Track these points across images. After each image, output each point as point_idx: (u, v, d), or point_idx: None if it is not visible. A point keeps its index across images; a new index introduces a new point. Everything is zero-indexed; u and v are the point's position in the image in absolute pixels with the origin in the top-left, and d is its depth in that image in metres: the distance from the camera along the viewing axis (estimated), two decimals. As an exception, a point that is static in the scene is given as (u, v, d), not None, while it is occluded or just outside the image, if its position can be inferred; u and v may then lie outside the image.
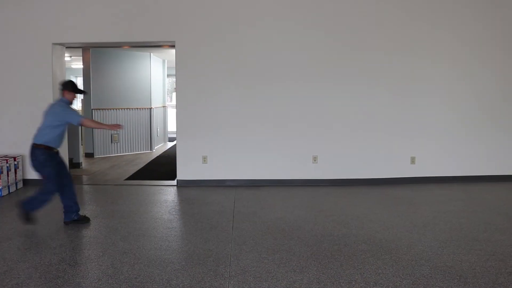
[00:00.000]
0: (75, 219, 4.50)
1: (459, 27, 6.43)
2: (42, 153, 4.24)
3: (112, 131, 9.23)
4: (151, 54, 10.06)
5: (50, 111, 4.39)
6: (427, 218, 4.73)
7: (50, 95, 6.20)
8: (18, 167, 6.09)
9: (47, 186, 4.30)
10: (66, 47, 6.78)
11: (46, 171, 4.27)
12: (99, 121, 4.38)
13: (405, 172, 6.54)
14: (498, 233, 4.23)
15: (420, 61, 6.41)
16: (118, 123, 4.72)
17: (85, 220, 4.55)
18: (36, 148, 4.26)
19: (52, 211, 4.99)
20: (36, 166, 4.29)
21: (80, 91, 4.61)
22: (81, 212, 4.60)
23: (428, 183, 6.47)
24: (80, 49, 9.24)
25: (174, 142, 8.26)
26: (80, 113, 4.12)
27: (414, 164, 6.54)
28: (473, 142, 6.61)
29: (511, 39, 6.53)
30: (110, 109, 9.28)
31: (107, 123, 4.27)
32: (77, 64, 13.60)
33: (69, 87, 4.45)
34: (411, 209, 5.15)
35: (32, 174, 6.24)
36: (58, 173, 4.36)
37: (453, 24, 6.42)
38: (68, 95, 4.43)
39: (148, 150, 10.04)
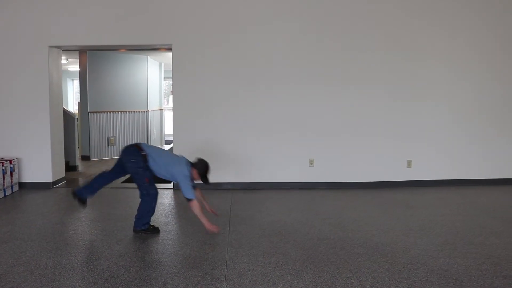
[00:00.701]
0: (81, 198, 4.47)
1: (456, 29, 6.45)
2: (144, 160, 4.22)
3: (110, 135, 9.26)
4: (148, 57, 10.07)
5: (177, 167, 4.25)
6: (423, 222, 4.74)
7: (46, 97, 6.19)
8: (14, 170, 6.07)
9: (148, 191, 4.26)
10: (63, 50, 6.77)
11: (148, 174, 4.25)
12: (202, 212, 4.24)
13: (402, 176, 6.55)
14: (494, 237, 4.25)
15: (417, 64, 6.43)
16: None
17: (81, 203, 4.50)
18: (142, 155, 4.23)
19: (47, 214, 4.98)
20: (135, 168, 4.25)
21: (205, 181, 4.33)
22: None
23: (424, 187, 6.49)
24: (77, 52, 9.25)
25: (171, 145, 8.25)
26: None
27: (411, 167, 6.56)
28: (470, 146, 6.63)
29: (510, 41, 6.57)
30: (107, 112, 9.29)
31: (207, 221, 4.16)
32: (74, 67, 13.59)
33: (201, 171, 4.27)
34: (407, 212, 5.16)
35: (28, 177, 6.27)
36: (120, 167, 4.41)
37: (451, 26, 6.43)
38: (194, 174, 4.29)
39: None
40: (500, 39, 6.54)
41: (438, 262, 3.60)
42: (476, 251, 3.86)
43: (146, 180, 4.24)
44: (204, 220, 4.13)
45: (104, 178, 4.50)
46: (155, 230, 4.36)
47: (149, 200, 4.28)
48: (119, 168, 4.44)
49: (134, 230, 4.33)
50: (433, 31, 6.40)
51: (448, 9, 6.41)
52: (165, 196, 5.92)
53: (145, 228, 4.31)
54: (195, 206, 4.12)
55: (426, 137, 6.54)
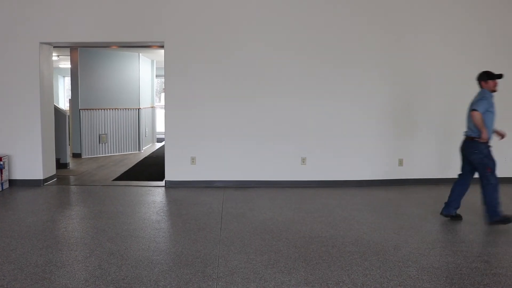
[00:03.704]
0: (453, 215, 4.71)
1: (450, 29, 6.48)
2: (486, 146, 4.46)
3: (101, 132, 9.21)
4: (140, 54, 10.02)
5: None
6: (414, 220, 4.77)
7: (37, 94, 6.15)
8: (4, 168, 6.01)
9: (489, 181, 4.42)
10: (54, 47, 6.71)
11: (491, 164, 4.45)
12: (482, 124, 4.43)
13: (393, 174, 6.58)
14: (484, 235, 4.28)
15: (408, 63, 6.45)
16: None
17: (458, 218, 4.72)
18: (477, 142, 4.48)
19: (37, 211, 4.95)
20: (480, 159, 4.46)
21: (497, 76, 4.56)
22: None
23: (415, 185, 6.52)
24: (68, 49, 9.17)
25: (163, 143, 8.25)
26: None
27: (402, 166, 6.59)
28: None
29: (499, 41, 6.62)
30: (98, 109, 9.23)
31: (485, 132, 4.41)
32: (65, 63, 13.49)
33: (484, 77, 4.58)
34: (398, 210, 5.18)
35: (18, 175, 6.21)
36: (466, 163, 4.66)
37: (444, 26, 6.47)
38: (485, 85, 4.57)
39: (136, 150, 9.99)
40: (496, 38, 6.58)
41: (429, 260, 3.62)
42: (467, 249, 3.89)
43: (489, 169, 4.43)
44: (483, 129, 4.37)
45: (463, 185, 4.70)
46: (506, 220, 4.43)
47: (490, 190, 4.42)
48: (467, 165, 4.67)
49: (489, 223, 4.48)
50: (425, 30, 6.43)
51: (440, 7, 6.44)
52: (157, 194, 5.91)
53: (497, 218, 4.41)
54: (476, 116, 4.39)
55: (418, 135, 6.57)
